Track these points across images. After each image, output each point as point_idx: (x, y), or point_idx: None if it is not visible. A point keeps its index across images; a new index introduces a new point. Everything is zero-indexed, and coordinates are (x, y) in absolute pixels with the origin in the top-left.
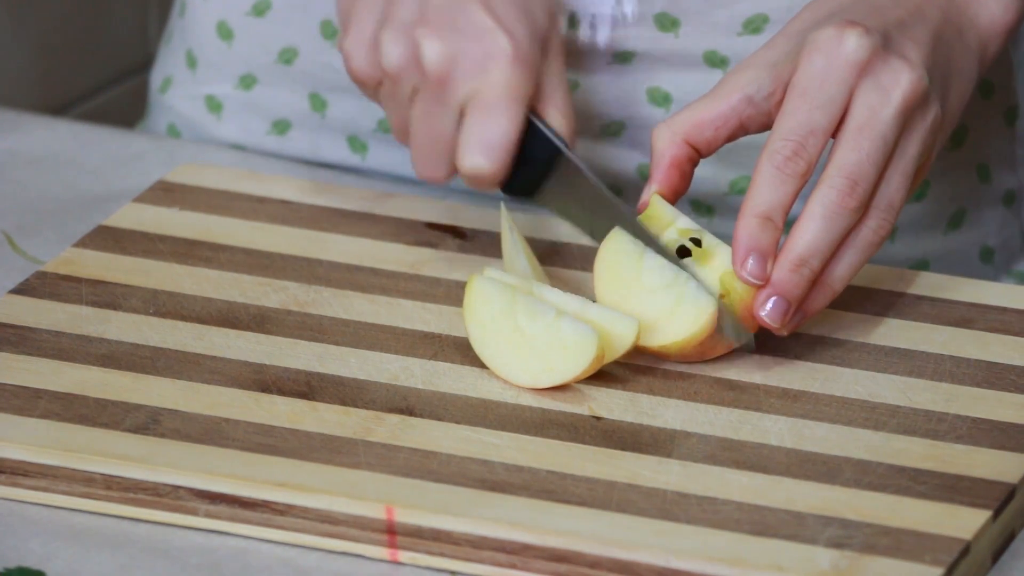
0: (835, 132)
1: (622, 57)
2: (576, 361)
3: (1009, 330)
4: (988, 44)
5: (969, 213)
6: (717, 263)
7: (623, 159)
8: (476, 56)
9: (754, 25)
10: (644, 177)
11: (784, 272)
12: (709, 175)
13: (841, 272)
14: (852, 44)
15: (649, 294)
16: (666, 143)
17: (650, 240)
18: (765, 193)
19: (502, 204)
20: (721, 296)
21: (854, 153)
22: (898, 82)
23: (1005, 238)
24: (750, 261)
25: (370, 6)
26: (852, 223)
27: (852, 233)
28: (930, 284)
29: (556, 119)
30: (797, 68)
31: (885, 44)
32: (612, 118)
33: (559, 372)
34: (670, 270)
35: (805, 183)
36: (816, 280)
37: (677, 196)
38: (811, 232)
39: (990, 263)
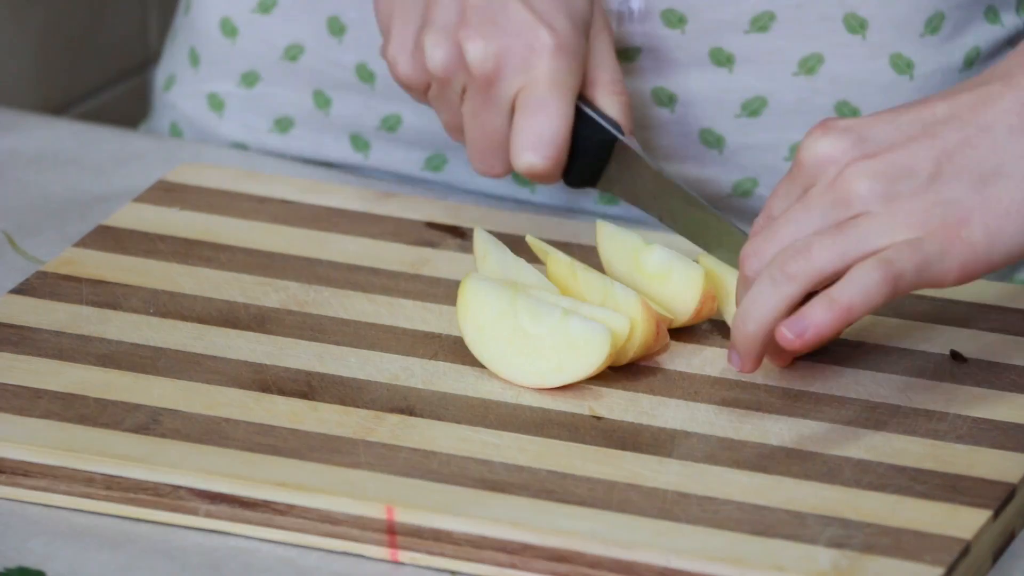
0: None
1: (627, 55)
2: (589, 359)
3: (1009, 330)
4: None
5: None
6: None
7: None
8: (519, 52)
9: (761, 23)
10: None
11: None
12: (712, 176)
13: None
14: (822, 142)
15: (650, 279)
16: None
17: (711, 235)
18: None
19: (476, 228)
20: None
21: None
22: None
23: None
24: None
25: (409, 10)
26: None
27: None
28: None
29: (608, 103)
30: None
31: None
32: None
33: (570, 371)
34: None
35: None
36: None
37: None
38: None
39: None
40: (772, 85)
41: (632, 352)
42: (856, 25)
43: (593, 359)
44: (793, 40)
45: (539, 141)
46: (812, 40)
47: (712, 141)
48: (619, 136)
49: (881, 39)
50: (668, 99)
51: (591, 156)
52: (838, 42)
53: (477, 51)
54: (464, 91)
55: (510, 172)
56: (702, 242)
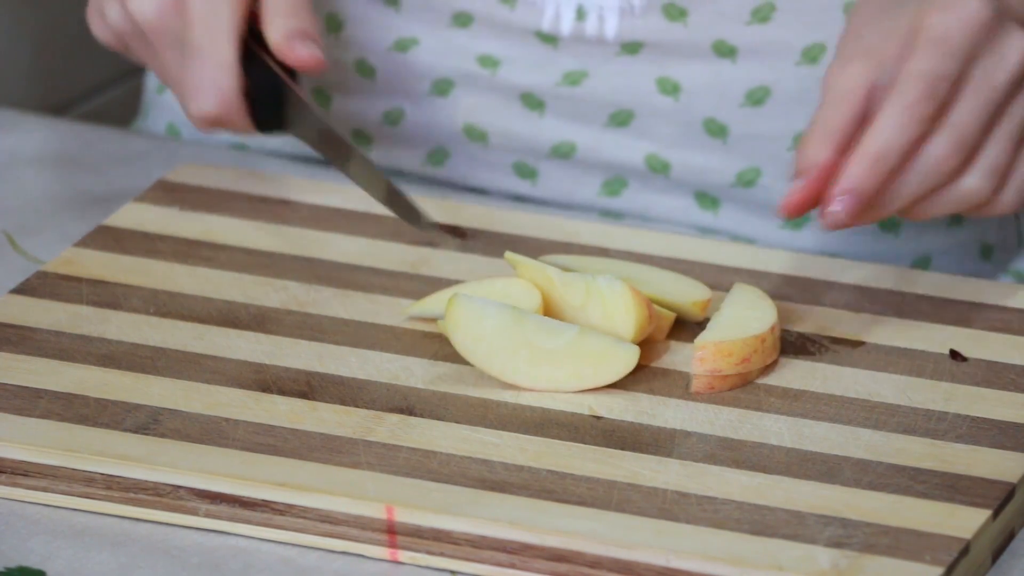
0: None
1: (631, 48)
2: (615, 369)
3: (1009, 329)
4: None
5: None
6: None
7: (631, 148)
8: (172, 1)
9: (762, 14)
10: (652, 168)
11: (861, 167)
12: (715, 165)
13: (928, 211)
14: (976, 3)
15: (580, 311)
16: (818, 148)
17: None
18: (887, 132)
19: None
20: None
21: (961, 108)
22: (1013, 48)
23: (1004, 236)
24: (846, 198)
25: None
26: (925, 131)
27: (950, 184)
28: (930, 283)
29: (274, 34)
30: (925, 21)
31: (1001, 10)
32: (621, 107)
33: (590, 379)
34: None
35: (928, 129)
36: (890, 184)
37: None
38: (887, 129)
39: (989, 260)
40: (775, 75)
41: (631, 337)
42: None
43: (620, 369)
44: (795, 30)
45: (200, 87)
46: (814, 29)
47: (716, 130)
48: (285, 79)
49: None
50: (672, 89)
51: (270, 99)
52: (840, 31)
53: (138, 8)
54: (152, 46)
55: (225, 113)
56: (370, 191)
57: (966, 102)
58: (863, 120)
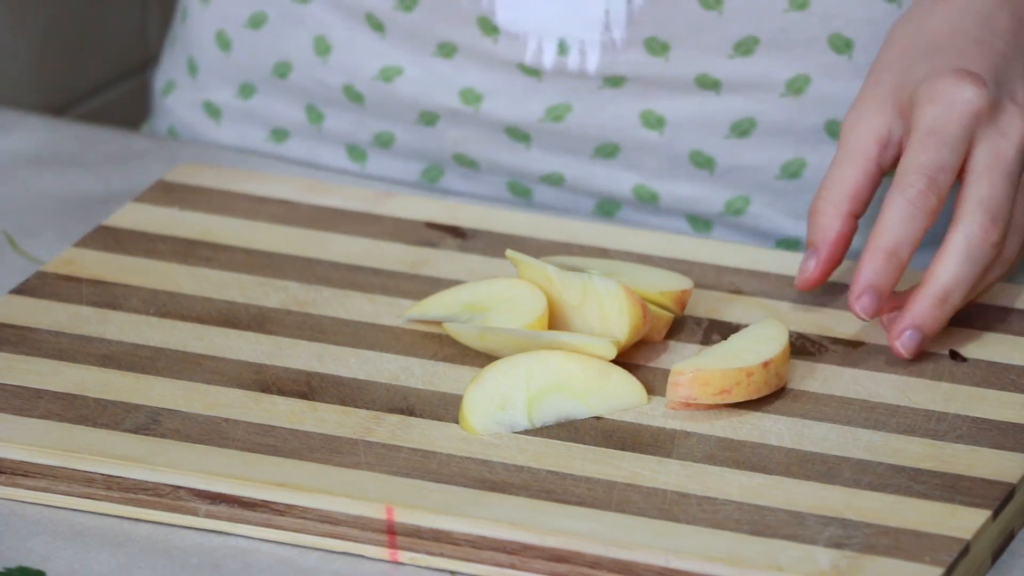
0: (960, 175)
1: (613, 81)
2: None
3: (1009, 329)
4: None
5: None
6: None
7: (618, 180)
8: None
9: (745, 47)
10: (641, 198)
11: (926, 306)
12: (704, 195)
13: (981, 288)
14: (969, 95)
15: (578, 309)
16: (832, 219)
17: None
18: (896, 228)
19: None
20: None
21: (989, 188)
22: (1014, 125)
23: None
24: (865, 297)
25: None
26: (993, 256)
27: (998, 258)
28: None
29: None
30: (918, 112)
31: (998, 92)
32: (607, 140)
33: None
34: (576, 278)
35: (934, 220)
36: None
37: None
38: (955, 266)
39: None
40: (760, 107)
41: (626, 338)
42: (841, 45)
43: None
44: (779, 62)
45: None
46: (798, 61)
47: (702, 162)
48: None
49: (868, 59)
50: (657, 122)
51: None
52: (824, 63)
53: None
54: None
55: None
56: None
57: (985, 177)
58: (877, 176)
